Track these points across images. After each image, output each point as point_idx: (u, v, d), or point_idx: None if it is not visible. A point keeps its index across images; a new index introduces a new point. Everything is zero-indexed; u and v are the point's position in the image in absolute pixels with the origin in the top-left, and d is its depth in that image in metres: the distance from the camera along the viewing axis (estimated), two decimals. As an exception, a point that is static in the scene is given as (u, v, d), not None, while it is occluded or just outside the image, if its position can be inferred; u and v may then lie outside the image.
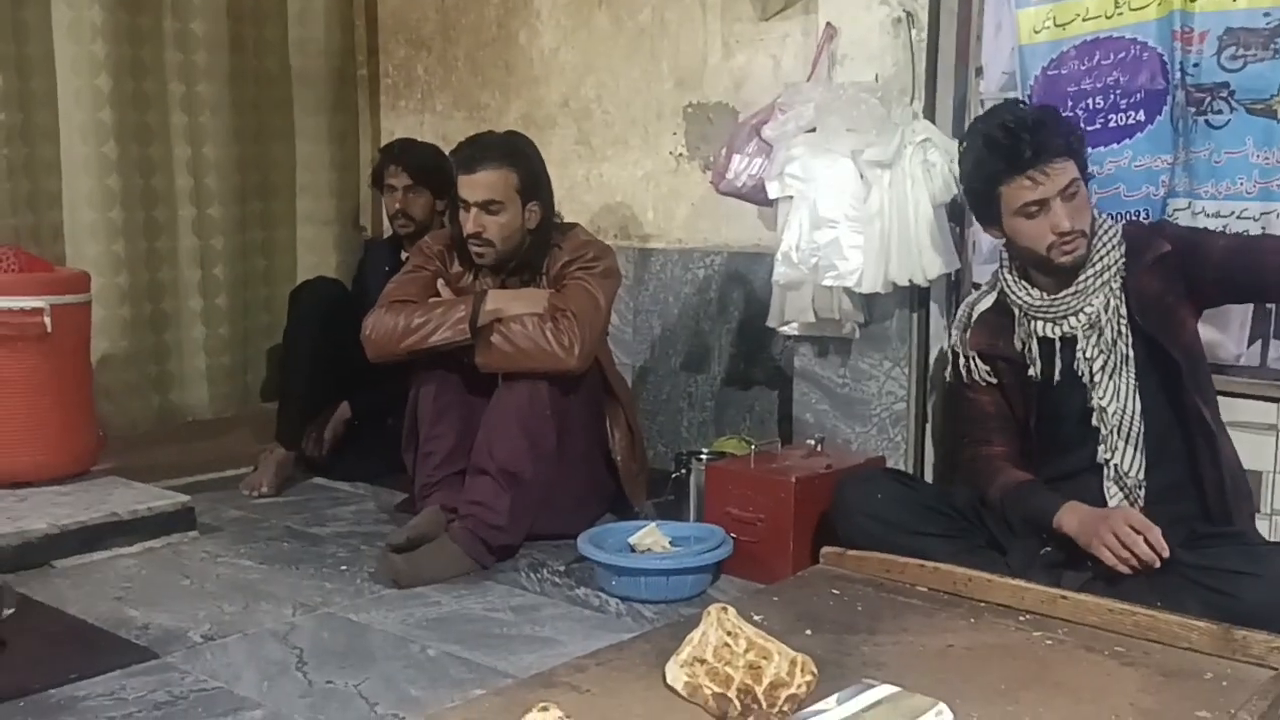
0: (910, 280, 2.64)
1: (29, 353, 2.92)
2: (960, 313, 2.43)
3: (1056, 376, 2.23)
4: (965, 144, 2.30)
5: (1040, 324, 2.24)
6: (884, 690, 1.27)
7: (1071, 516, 2.16)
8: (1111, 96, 2.52)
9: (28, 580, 2.53)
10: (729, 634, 1.60)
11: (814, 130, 2.68)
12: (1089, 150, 2.27)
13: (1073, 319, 2.21)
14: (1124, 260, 2.20)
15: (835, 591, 2.07)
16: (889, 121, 2.60)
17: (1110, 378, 2.19)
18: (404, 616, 2.34)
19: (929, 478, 2.80)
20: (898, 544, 2.19)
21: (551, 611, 2.38)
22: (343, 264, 4.06)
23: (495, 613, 2.37)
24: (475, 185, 2.75)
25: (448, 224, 3.41)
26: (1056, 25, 2.58)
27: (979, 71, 2.75)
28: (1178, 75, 2.42)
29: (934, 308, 2.82)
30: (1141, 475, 2.18)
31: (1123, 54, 2.52)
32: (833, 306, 2.76)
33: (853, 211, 2.61)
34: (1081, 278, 2.20)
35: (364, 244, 4.16)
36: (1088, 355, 2.20)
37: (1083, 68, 2.56)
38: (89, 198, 3.42)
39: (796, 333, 2.89)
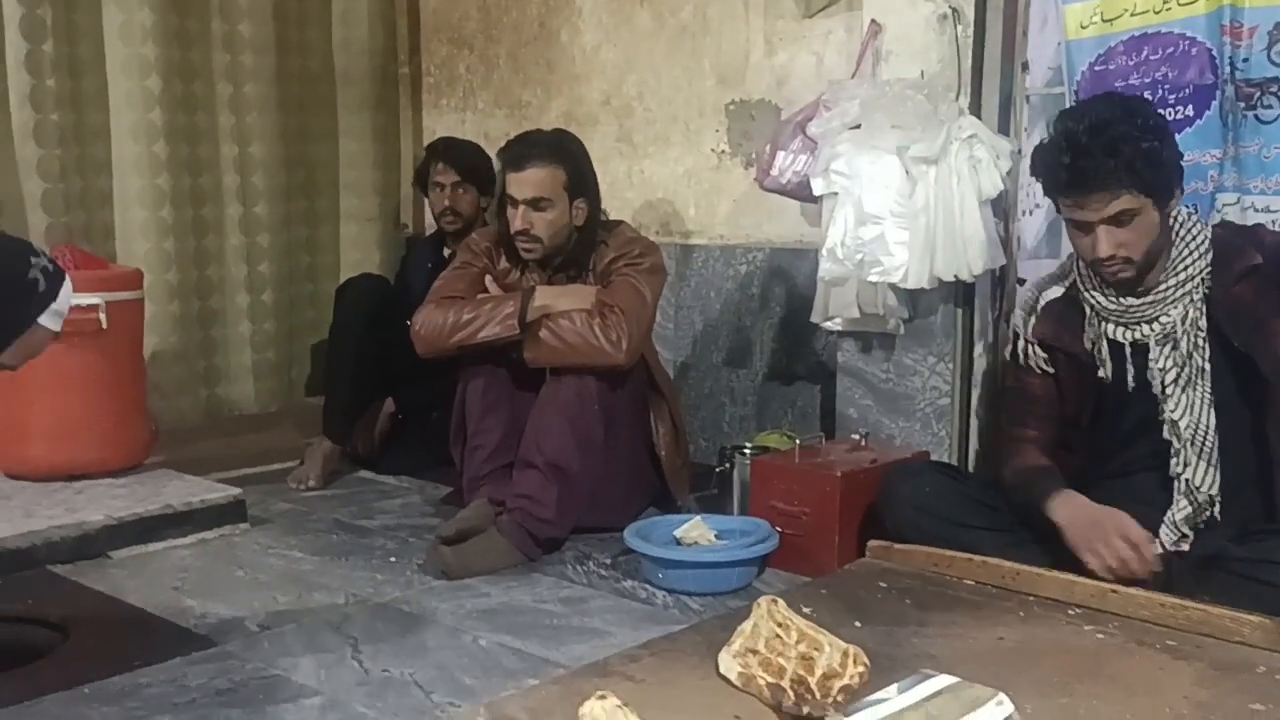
0: (955, 276, 2.65)
1: (85, 348, 2.98)
2: (1026, 295, 2.39)
3: (1130, 383, 2.17)
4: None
5: (1112, 326, 2.18)
6: (944, 680, 1.29)
7: (1064, 508, 2.14)
8: (1160, 92, 2.51)
9: (86, 570, 2.58)
10: (780, 625, 1.63)
11: (859, 127, 2.69)
12: (1174, 163, 2.10)
13: (1146, 326, 2.14)
14: (1210, 270, 2.11)
15: (883, 584, 2.09)
16: (935, 117, 2.61)
17: (1184, 390, 2.11)
18: (454, 607, 2.37)
19: (973, 472, 2.80)
20: (945, 537, 2.20)
21: (600, 603, 2.41)
22: (385, 261, 4.12)
23: (544, 604, 2.40)
24: (523, 183, 2.78)
25: (490, 221, 3.45)
26: (1104, 20, 2.57)
27: (1025, 67, 2.75)
28: (1227, 70, 2.41)
29: (979, 303, 2.82)
30: (1214, 490, 2.11)
31: (1171, 49, 2.51)
32: (877, 302, 2.78)
33: (898, 207, 2.62)
34: (1161, 287, 2.12)
35: (406, 241, 4.21)
36: (1161, 366, 2.12)
37: (1130, 63, 2.56)
38: (139, 196, 3.48)
39: (840, 328, 2.91)
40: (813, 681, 1.49)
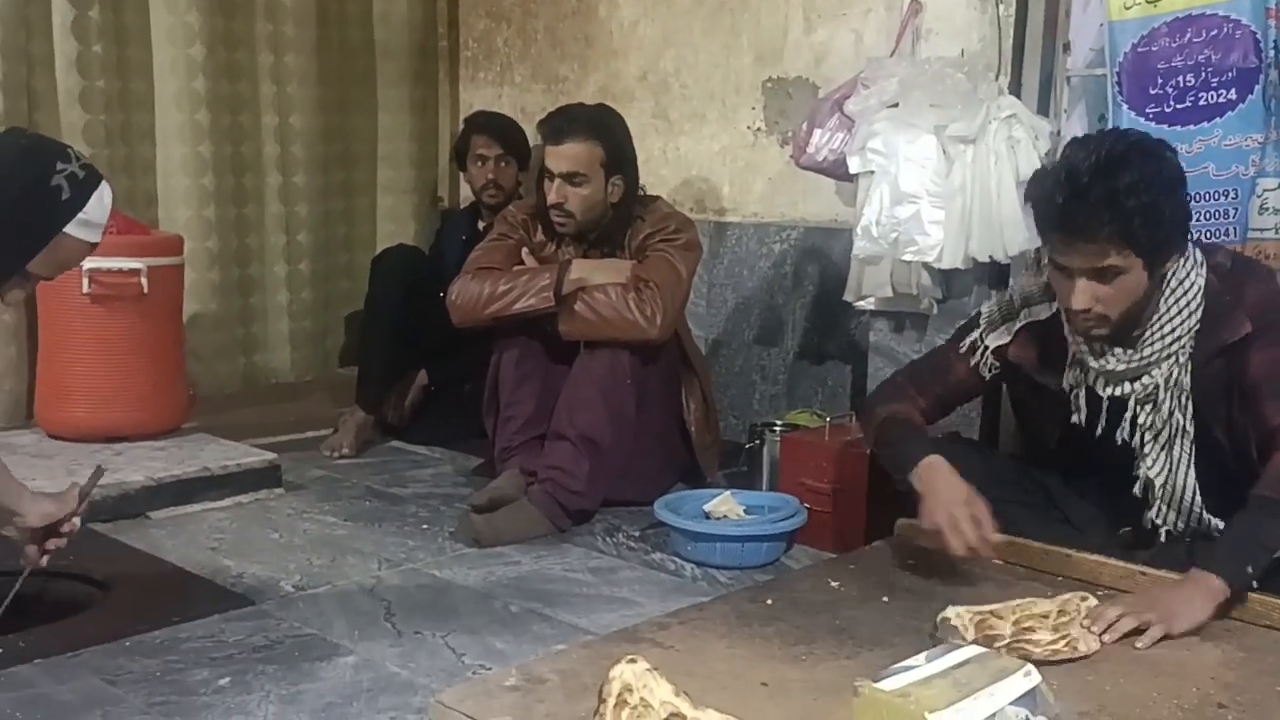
0: (990, 257, 2.65)
1: (126, 312, 3.03)
2: (1007, 298, 2.19)
3: (1098, 431, 2.04)
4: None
5: (1093, 377, 2.03)
6: (971, 650, 1.31)
7: (929, 473, 2.00)
8: (1203, 74, 2.49)
9: (126, 529, 2.63)
10: (1061, 611, 1.70)
11: (897, 105, 2.69)
12: (1179, 221, 1.91)
13: (1129, 384, 2.00)
14: (1198, 328, 1.95)
15: (911, 561, 2.10)
16: (974, 97, 2.60)
17: (1163, 449, 2.01)
18: (485, 574, 2.41)
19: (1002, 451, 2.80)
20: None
21: (628, 574, 2.43)
22: (420, 233, 4.15)
23: (574, 573, 2.43)
24: (560, 156, 2.79)
25: (525, 195, 3.47)
26: (1148, 1, 2.55)
27: (1066, 47, 2.73)
28: (1270, 54, 2.39)
29: (1013, 284, 2.82)
30: (1196, 525, 2.03)
31: (1215, 31, 2.48)
32: (911, 282, 2.78)
33: (934, 187, 2.62)
34: (1147, 348, 1.97)
35: (441, 214, 4.24)
36: (1141, 423, 2.01)
37: (1174, 45, 2.53)
38: (182, 164, 3.53)
39: (873, 307, 2.92)
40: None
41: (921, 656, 1.28)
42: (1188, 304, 1.95)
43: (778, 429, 2.92)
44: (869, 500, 2.54)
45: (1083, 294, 1.87)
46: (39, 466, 2.83)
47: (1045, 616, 1.73)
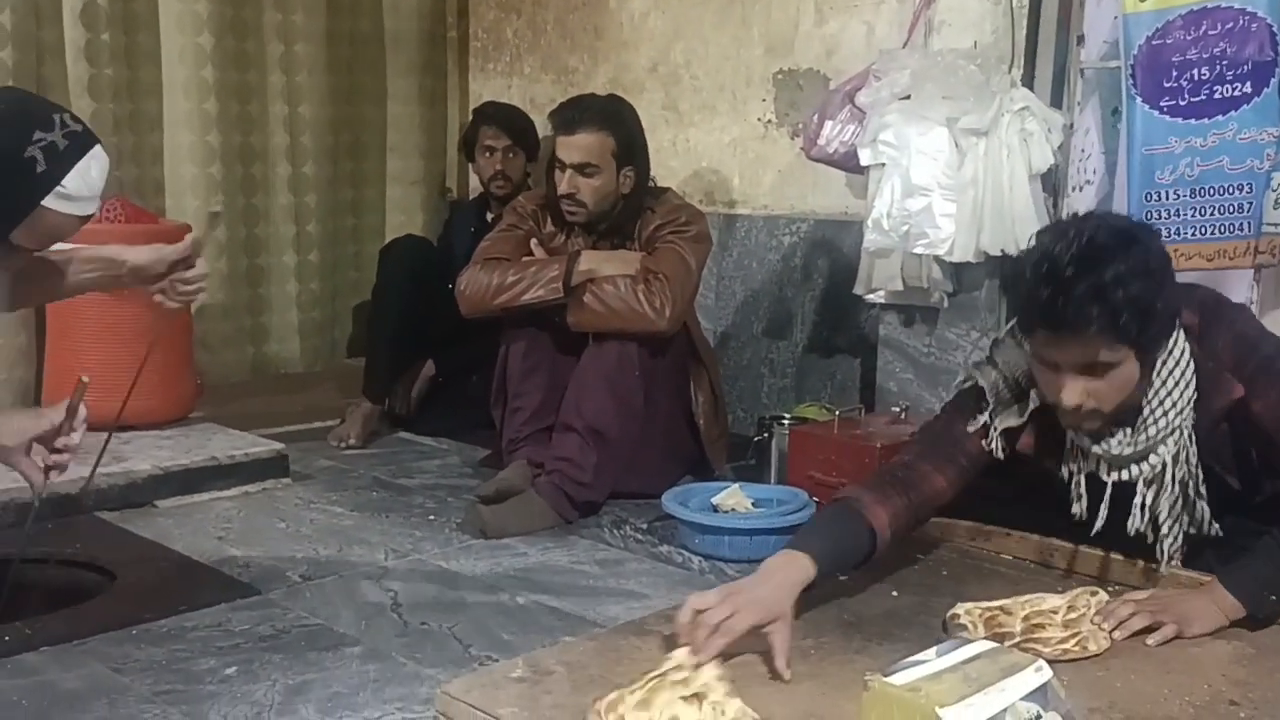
0: (1002, 250, 2.63)
1: (134, 301, 3.01)
2: (1009, 375, 1.95)
3: (1099, 525, 1.89)
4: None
5: (1094, 463, 1.88)
6: (982, 645, 1.29)
7: (766, 564, 1.70)
8: (1218, 67, 2.47)
9: (133, 518, 2.63)
10: (1070, 607, 1.69)
11: (908, 97, 2.67)
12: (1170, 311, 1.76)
13: (1135, 467, 1.86)
14: (1195, 398, 1.83)
15: (920, 556, 2.09)
16: (987, 89, 2.59)
17: (1175, 522, 1.90)
18: (492, 566, 2.40)
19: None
20: (983, 511, 2.19)
21: (635, 566, 2.43)
22: (428, 224, 4.14)
23: (580, 565, 2.42)
24: (572, 147, 2.78)
25: (534, 185, 3.46)
26: (1163, -6, 2.53)
27: (1080, 40, 2.72)
28: (1287, 47, 2.37)
29: (1002, 356, 2.78)
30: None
31: (1230, 24, 2.46)
32: (921, 275, 2.76)
33: (946, 179, 2.61)
34: (1152, 430, 1.83)
35: (450, 205, 4.24)
36: (1148, 504, 1.87)
37: (1188, 38, 2.51)
38: (190, 153, 3.53)
39: (883, 300, 2.90)
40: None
41: (932, 651, 1.27)
42: (1182, 376, 1.82)
43: (786, 422, 2.90)
44: (878, 494, 2.52)
45: (1073, 392, 1.73)
46: (46, 454, 2.83)
47: (1055, 612, 1.72)
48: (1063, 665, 1.54)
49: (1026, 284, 1.70)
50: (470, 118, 3.81)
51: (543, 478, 2.69)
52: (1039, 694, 1.22)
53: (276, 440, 3.09)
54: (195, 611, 2.08)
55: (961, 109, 2.59)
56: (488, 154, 3.59)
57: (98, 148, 1.74)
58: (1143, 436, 1.84)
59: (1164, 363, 1.81)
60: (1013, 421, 1.93)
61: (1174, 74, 2.52)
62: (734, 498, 2.58)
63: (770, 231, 3.46)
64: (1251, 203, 2.43)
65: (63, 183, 1.68)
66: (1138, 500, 1.87)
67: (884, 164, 2.69)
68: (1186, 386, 1.83)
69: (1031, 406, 1.91)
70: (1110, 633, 1.71)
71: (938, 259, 2.69)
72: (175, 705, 1.73)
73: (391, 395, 3.52)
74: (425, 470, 3.17)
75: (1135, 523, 1.88)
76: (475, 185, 3.88)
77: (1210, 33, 2.49)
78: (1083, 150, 2.76)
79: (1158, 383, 1.82)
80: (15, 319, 3.19)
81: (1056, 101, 2.74)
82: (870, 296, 2.91)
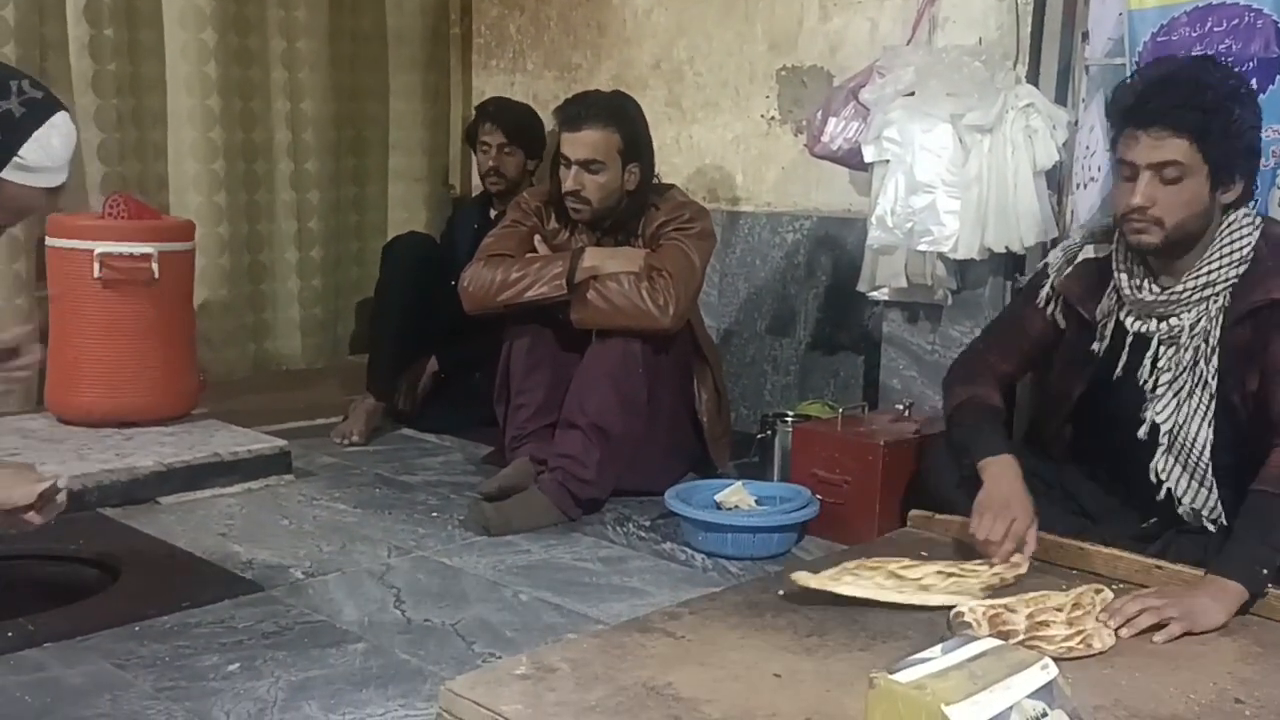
0: (1006, 247, 2.63)
1: (137, 297, 3.03)
2: (1071, 243, 2.22)
3: (1119, 371, 2.05)
4: None
5: (1124, 311, 2.06)
6: (988, 642, 1.29)
7: (995, 470, 2.02)
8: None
9: (135, 514, 2.63)
10: (1076, 605, 1.76)
11: (912, 94, 2.66)
12: (1248, 149, 1.95)
13: (1155, 322, 2.01)
14: (1237, 281, 1.95)
15: (924, 553, 2.08)
16: (991, 86, 2.58)
17: (1174, 396, 1.99)
18: (495, 563, 2.40)
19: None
20: None
21: (639, 564, 2.42)
22: (431, 221, 4.14)
23: (583, 563, 2.42)
24: (578, 143, 2.78)
25: (536, 183, 3.46)
26: (1168, -10, 2.53)
27: (1085, 36, 2.70)
28: (1293, 44, 2.36)
29: (1028, 275, 2.79)
30: (1206, 508, 2.00)
31: (1236, 21, 2.45)
32: (925, 272, 2.76)
33: (950, 176, 2.60)
34: (1181, 289, 1.97)
35: (453, 202, 4.23)
36: (1157, 364, 2.00)
37: (1194, 34, 2.50)
38: (193, 149, 3.52)
39: (887, 298, 2.89)
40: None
41: (937, 648, 1.27)
42: (1234, 253, 1.95)
43: (789, 419, 2.90)
44: (881, 491, 2.52)
45: (1143, 190, 1.90)
46: (49, 451, 2.83)
47: (1059, 610, 1.72)
48: (1067, 663, 1.54)
49: (1131, 85, 1.96)
50: (473, 112, 3.82)
51: (546, 475, 2.69)
52: (1045, 691, 1.21)
53: (279, 437, 3.09)
54: (198, 608, 2.08)
55: (966, 106, 2.58)
56: (484, 149, 3.60)
57: (60, 115, 1.67)
58: (1173, 291, 1.98)
59: (1223, 236, 1.96)
60: (1064, 274, 2.16)
61: (1179, 71, 2.51)
62: (737, 495, 2.58)
63: (774, 228, 3.46)
64: (1256, 200, 2.42)
65: (19, 153, 1.62)
66: (1149, 353, 2.01)
67: (888, 161, 2.68)
68: (1232, 267, 1.95)
69: (1081, 257, 2.14)
70: (1117, 630, 1.70)
71: (941, 256, 2.69)
72: (178, 702, 1.73)
73: (394, 392, 3.52)
74: (428, 467, 3.17)
75: (1144, 375, 2.01)
76: (478, 182, 3.87)
77: (1215, 29, 2.48)
78: (1087, 147, 2.75)
79: (1211, 249, 1.96)
80: (17, 317, 3.19)
81: (1061, 98, 2.73)
82: (874, 294, 2.91)
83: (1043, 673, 1.23)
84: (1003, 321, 2.34)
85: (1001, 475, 2.03)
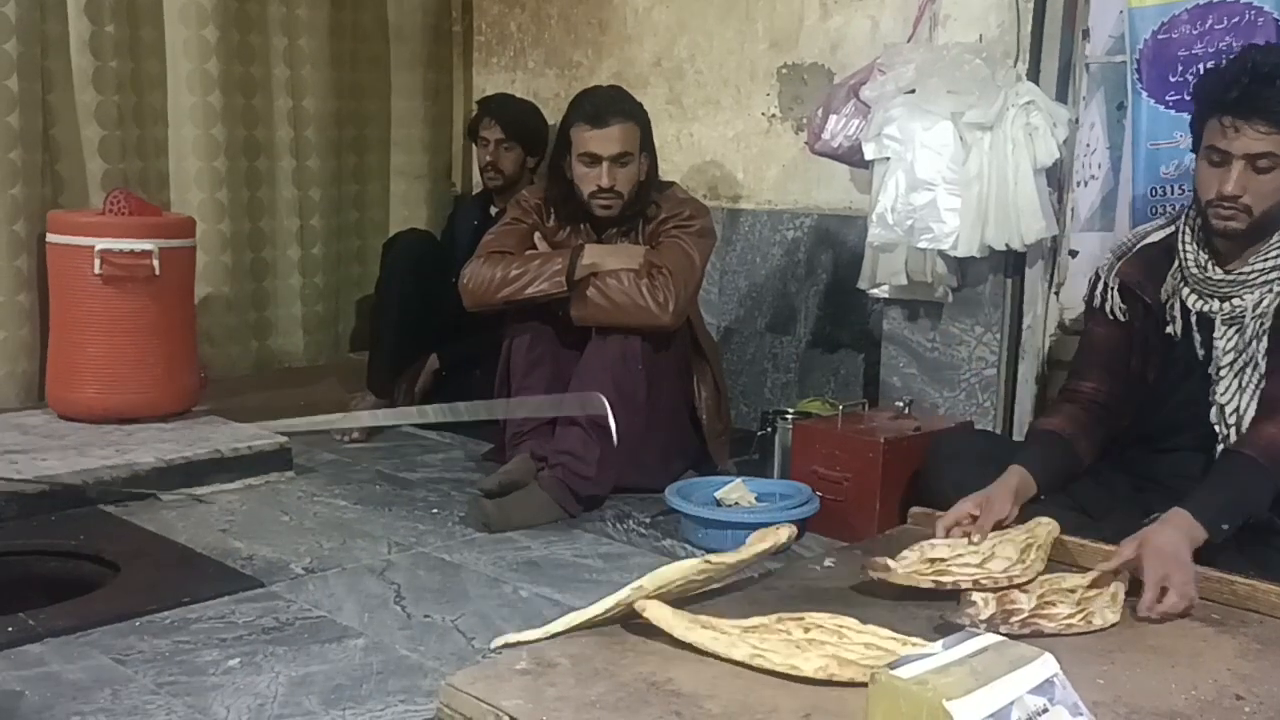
0: (1006, 245, 2.63)
1: (138, 293, 3.03)
2: (1125, 240, 2.28)
3: (1198, 350, 2.10)
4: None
5: (1187, 290, 2.11)
6: (989, 638, 1.29)
7: (1004, 477, 2.08)
8: (1223, 62, 2.46)
9: (135, 510, 2.63)
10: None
11: (913, 92, 2.66)
12: None
13: (1218, 302, 2.07)
14: None
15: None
16: (991, 83, 2.58)
17: (1235, 376, 2.05)
18: (495, 559, 2.40)
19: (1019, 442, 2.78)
20: None
21: (639, 560, 2.42)
22: (432, 218, 4.14)
23: (584, 559, 2.42)
24: (608, 139, 2.78)
25: (537, 180, 3.46)
26: (1169, -12, 2.53)
27: (1086, 34, 2.71)
28: (1294, 41, 2.36)
29: (1029, 274, 2.80)
30: None
31: (1236, 18, 2.46)
32: (925, 269, 2.76)
33: (950, 174, 2.60)
34: (1247, 267, 2.05)
35: (454, 200, 4.23)
36: (1220, 345, 2.07)
37: (1194, 32, 2.51)
38: (194, 146, 3.52)
39: (887, 295, 2.90)
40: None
41: (939, 644, 1.27)
42: None
43: (789, 417, 2.90)
44: (881, 489, 2.52)
45: (1236, 179, 1.95)
46: (50, 447, 2.83)
47: (1073, 591, 1.74)
48: (1067, 659, 1.53)
49: (1230, 75, 1.97)
50: (475, 108, 3.83)
51: (546, 471, 2.69)
52: (1046, 687, 1.22)
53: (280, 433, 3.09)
54: (198, 604, 2.08)
55: (966, 103, 2.58)
56: (483, 144, 3.62)
57: None
58: (1234, 276, 2.05)
59: None
60: (1119, 264, 2.19)
61: (1179, 68, 2.52)
62: (737, 492, 2.58)
63: (774, 226, 3.46)
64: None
65: None
66: (1216, 334, 2.06)
67: (888, 158, 2.68)
68: None
69: (1139, 245, 2.19)
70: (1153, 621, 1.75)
71: (942, 254, 2.69)
72: (178, 697, 1.73)
73: (395, 389, 3.52)
74: (428, 464, 3.17)
75: (1215, 354, 2.06)
76: (479, 179, 3.87)
77: (1216, 27, 2.49)
78: (1088, 145, 2.76)
79: (1275, 237, 2.03)
80: (18, 312, 3.19)
81: (1062, 96, 2.74)
82: (874, 291, 2.91)
83: (1044, 668, 1.24)
84: (1079, 347, 2.35)
85: (1000, 480, 2.08)
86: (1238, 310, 2.05)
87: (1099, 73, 2.71)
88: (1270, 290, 2.03)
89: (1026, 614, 1.66)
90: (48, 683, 1.76)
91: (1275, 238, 2.04)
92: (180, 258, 3.14)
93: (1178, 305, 2.13)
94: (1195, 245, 2.10)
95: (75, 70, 3.27)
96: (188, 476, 2.79)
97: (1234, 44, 2.45)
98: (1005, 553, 1.90)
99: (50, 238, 3.08)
